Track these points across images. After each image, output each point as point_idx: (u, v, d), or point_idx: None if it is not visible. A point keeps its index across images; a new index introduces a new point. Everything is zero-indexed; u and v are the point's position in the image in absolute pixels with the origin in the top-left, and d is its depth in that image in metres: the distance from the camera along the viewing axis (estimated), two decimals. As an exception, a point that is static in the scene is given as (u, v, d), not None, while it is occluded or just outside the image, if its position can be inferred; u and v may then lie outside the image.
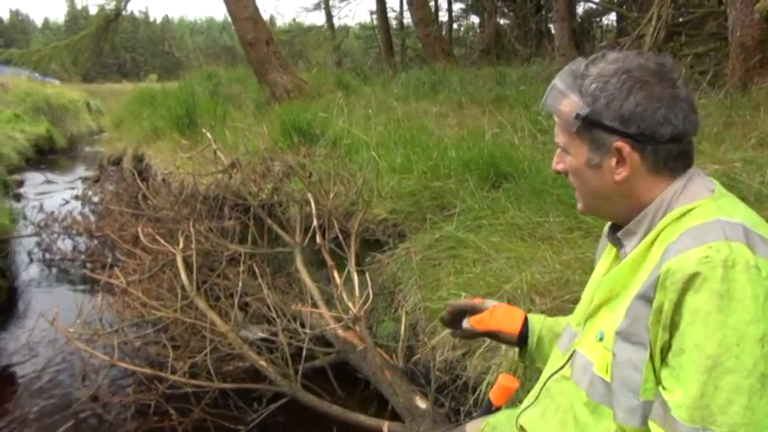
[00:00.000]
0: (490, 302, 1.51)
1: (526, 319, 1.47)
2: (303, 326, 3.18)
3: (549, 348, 1.40)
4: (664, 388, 0.95)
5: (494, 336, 1.49)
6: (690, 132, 1.05)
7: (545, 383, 1.26)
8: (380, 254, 3.53)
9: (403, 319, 3.01)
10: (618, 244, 1.14)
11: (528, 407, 1.29)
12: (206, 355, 2.92)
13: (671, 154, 1.04)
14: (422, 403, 2.57)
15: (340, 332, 3.11)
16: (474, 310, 1.49)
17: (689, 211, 1.01)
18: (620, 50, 1.10)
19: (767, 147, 3.55)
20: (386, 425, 2.56)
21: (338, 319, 3.06)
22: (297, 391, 2.84)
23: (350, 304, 3.00)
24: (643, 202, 1.07)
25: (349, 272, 3.32)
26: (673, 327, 0.93)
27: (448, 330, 1.62)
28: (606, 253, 1.23)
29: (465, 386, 2.51)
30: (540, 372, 1.39)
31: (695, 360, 0.89)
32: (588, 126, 1.06)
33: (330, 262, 3.45)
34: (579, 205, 1.19)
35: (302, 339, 3.02)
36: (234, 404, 2.89)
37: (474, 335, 1.52)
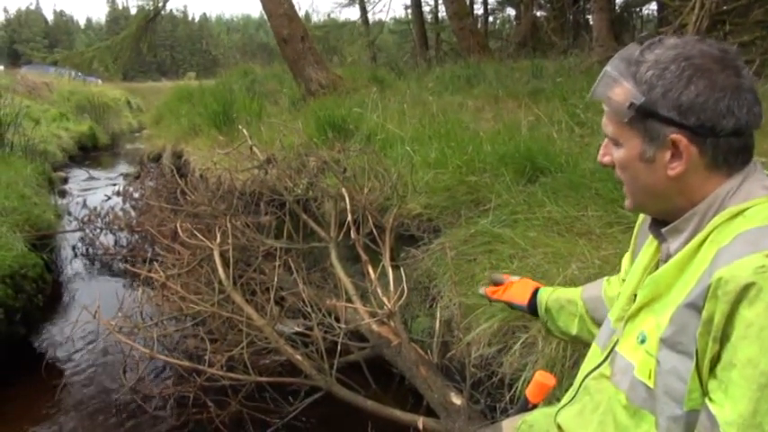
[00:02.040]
0: (513, 278, 1.76)
1: (536, 293, 1.66)
2: (338, 320, 3.19)
3: (559, 317, 1.59)
4: (711, 400, 0.90)
5: (510, 305, 1.75)
6: (753, 125, 0.98)
7: (583, 381, 1.23)
8: (415, 249, 3.52)
9: (438, 315, 2.99)
10: (661, 238, 1.09)
11: (566, 405, 1.27)
12: (243, 348, 2.95)
13: (731, 148, 0.97)
14: (457, 399, 2.55)
15: (375, 327, 3.11)
16: (494, 282, 1.82)
17: (742, 211, 0.95)
18: (678, 36, 1.03)
19: (817, 138, 3.41)
20: (421, 420, 2.55)
21: (373, 314, 3.06)
22: (332, 386, 2.85)
23: (384, 299, 3.00)
24: (694, 200, 1.01)
25: (383, 267, 3.31)
26: (724, 338, 0.88)
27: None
28: (647, 246, 1.17)
29: (501, 383, 2.48)
30: (562, 336, 1.64)
31: (748, 376, 0.84)
32: (642, 116, 0.99)
33: (365, 257, 3.45)
34: (627, 202, 1.12)
35: (337, 334, 3.03)
36: (270, 397, 2.91)
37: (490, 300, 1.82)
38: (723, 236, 0.94)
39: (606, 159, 1.10)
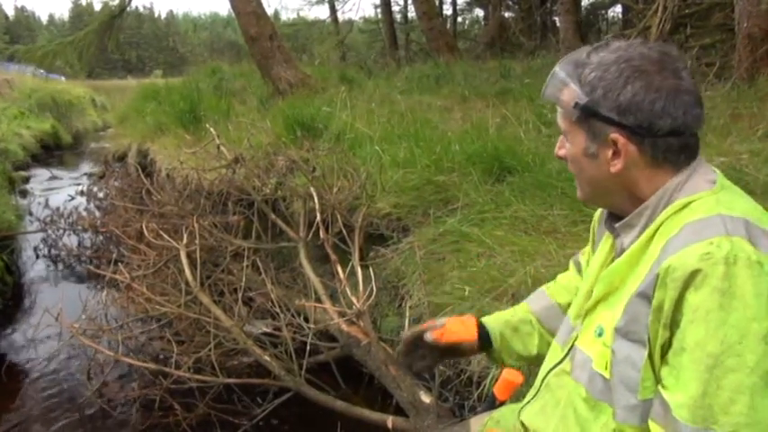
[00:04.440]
0: (441, 320, 1.49)
1: (480, 324, 1.47)
2: (307, 321, 3.18)
3: (514, 341, 1.45)
4: (664, 387, 0.93)
5: (454, 350, 1.48)
6: (692, 126, 1.01)
7: (544, 378, 1.25)
8: (384, 248, 3.52)
9: (407, 314, 3.00)
10: (615, 233, 1.12)
11: (528, 402, 1.28)
12: (210, 350, 2.92)
13: (671, 148, 1.01)
14: (426, 398, 2.56)
15: (344, 327, 3.10)
16: (430, 329, 1.47)
17: (688, 204, 0.98)
18: (626, 39, 1.07)
19: (774, 138, 3.52)
20: (390, 419, 2.55)
21: (342, 314, 3.05)
22: (301, 386, 2.84)
23: (353, 299, 2.99)
24: (642, 195, 1.04)
25: (353, 266, 3.30)
26: (673, 325, 0.91)
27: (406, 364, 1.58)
28: (602, 243, 1.20)
29: (469, 381, 2.50)
30: (519, 362, 1.49)
31: (697, 359, 0.87)
32: (586, 116, 1.03)
33: (333, 257, 3.44)
34: (578, 193, 1.17)
35: (306, 334, 3.02)
36: (238, 399, 2.89)
37: (435, 351, 1.48)
38: (671, 228, 0.97)
39: (561, 152, 1.14)
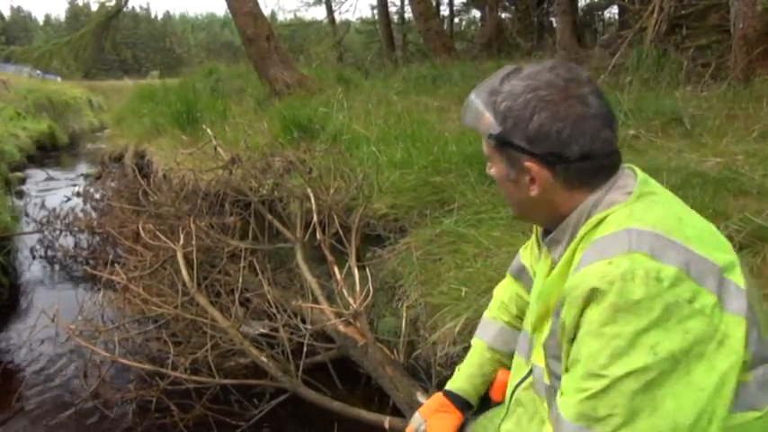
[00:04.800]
0: (418, 423, 1.53)
1: (452, 397, 1.53)
2: (304, 321, 3.17)
3: (483, 387, 1.51)
4: (561, 393, 0.96)
5: None
6: (601, 149, 1.02)
7: (513, 393, 1.28)
8: (381, 249, 3.52)
9: (404, 315, 3.00)
10: (547, 248, 1.15)
11: (503, 420, 1.31)
12: (207, 351, 2.92)
13: (584, 171, 1.03)
14: (423, 398, 2.56)
15: (341, 328, 3.10)
16: None
17: (603, 219, 1.00)
18: (536, 63, 1.08)
19: (769, 139, 3.53)
20: (387, 420, 2.55)
21: (339, 315, 3.05)
22: (298, 387, 2.84)
23: (350, 300, 2.99)
24: (564, 213, 1.07)
25: (349, 267, 3.30)
26: (574, 340, 0.94)
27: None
28: (543, 257, 1.23)
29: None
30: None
31: (589, 368, 0.90)
32: (501, 145, 1.06)
33: (330, 257, 3.44)
34: (512, 211, 1.21)
35: (303, 335, 3.02)
36: (235, 400, 2.89)
37: None
38: (587, 243, 1.00)
39: (491, 172, 1.17)
